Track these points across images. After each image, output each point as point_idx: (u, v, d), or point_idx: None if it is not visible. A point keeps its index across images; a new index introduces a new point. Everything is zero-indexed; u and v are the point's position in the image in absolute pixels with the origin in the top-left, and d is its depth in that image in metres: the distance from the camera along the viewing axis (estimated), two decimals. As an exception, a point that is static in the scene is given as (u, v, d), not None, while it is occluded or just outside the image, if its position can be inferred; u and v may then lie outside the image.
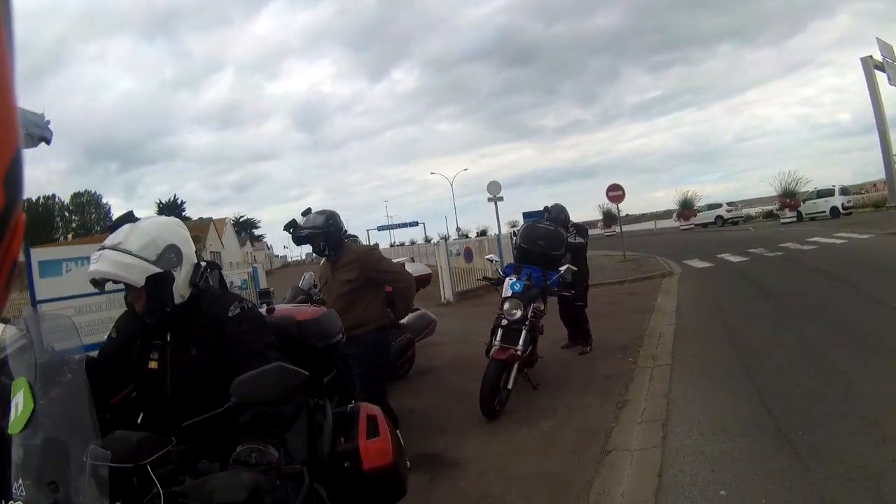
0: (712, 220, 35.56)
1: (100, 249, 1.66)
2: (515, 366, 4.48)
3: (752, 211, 40.71)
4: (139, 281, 1.62)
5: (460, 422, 4.32)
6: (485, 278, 5.78)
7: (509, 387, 4.42)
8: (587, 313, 6.17)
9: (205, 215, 59.56)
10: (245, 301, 1.78)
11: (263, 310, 2.16)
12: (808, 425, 3.31)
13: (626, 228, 24.98)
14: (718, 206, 36.60)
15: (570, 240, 5.74)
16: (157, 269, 1.64)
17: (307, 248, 3.75)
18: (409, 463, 3.46)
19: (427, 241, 34.50)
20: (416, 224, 49.01)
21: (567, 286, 5.20)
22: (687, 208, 39.27)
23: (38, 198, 58.32)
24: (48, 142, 4.37)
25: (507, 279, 4.88)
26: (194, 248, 1.81)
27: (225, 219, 61.76)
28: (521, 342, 4.48)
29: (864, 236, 14.60)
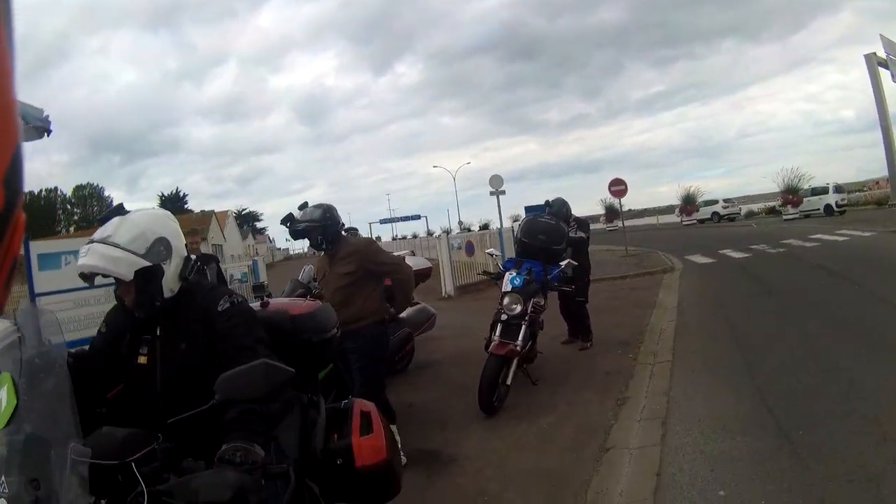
0: (709, 216, 36.20)
1: (89, 243, 1.64)
2: (515, 361, 4.44)
3: (755, 207, 40.85)
4: (128, 275, 1.59)
5: (459, 417, 4.30)
6: (484, 272, 5.73)
7: (508, 382, 4.39)
8: (588, 308, 6.14)
9: (207, 208, 59.55)
10: (235, 295, 1.75)
11: (258, 304, 2.13)
12: (809, 424, 3.28)
13: (628, 223, 24.92)
14: (715, 202, 37.18)
15: (571, 234, 5.70)
16: (146, 263, 1.61)
17: (306, 242, 3.72)
18: (405, 459, 3.44)
19: (429, 234, 34.47)
20: (418, 217, 48.96)
21: (568, 281, 5.17)
22: (690, 203, 39.36)
23: (41, 190, 58.53)
24: (48, 133, 4.35)
25: (507, 274, 4.84)
26: (184, 241, 1.78)
27: (227, 211, 61.79)
28: (520, 337, 4.45)
29: (867, 234, 14.55)
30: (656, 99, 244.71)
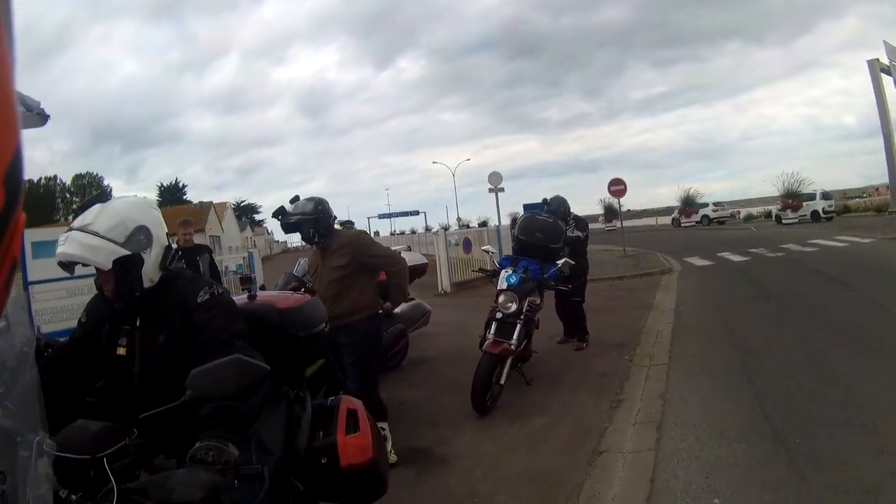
0: (699, 219, 37.84)
1: (67, 231, 1.58)
2: (509, 360, 4.38)
3: (754, 210, 41.50)
4: (106, 264, 1.53)
5: (452, 415, 4.24)
6: (480, 270, 5.66)
7: (502, 382, 4.33)
8: (585, 309, 6.08)
9: (207, 199, 59.43)
10: (216, 286, 1.69)
11: (245, 297, 2.07)
12: (807, 431, 3.23)
13: (626, 224, 24.90)
14: (705, 205, 38.80)
15: (569, 233, 5.64)
16: (125, 252, 1.55)
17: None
18: (395, 457, 3.39)
19: (427, 230, 34.35)
20: (417, 213, 48.61)
21: (565, 280, 5.11)
22: (689, 205, 39.62)
23: (40, 179, 58.21)
24: (44, 121, 4.29)
25: (503, 271, 4.78)
26: (166, 230, 1.72)
27: (226, 203, 61.56)
28: (515, 336, 4.39)
29: (866, 240, 14.52)
30: (658, 99, 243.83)
